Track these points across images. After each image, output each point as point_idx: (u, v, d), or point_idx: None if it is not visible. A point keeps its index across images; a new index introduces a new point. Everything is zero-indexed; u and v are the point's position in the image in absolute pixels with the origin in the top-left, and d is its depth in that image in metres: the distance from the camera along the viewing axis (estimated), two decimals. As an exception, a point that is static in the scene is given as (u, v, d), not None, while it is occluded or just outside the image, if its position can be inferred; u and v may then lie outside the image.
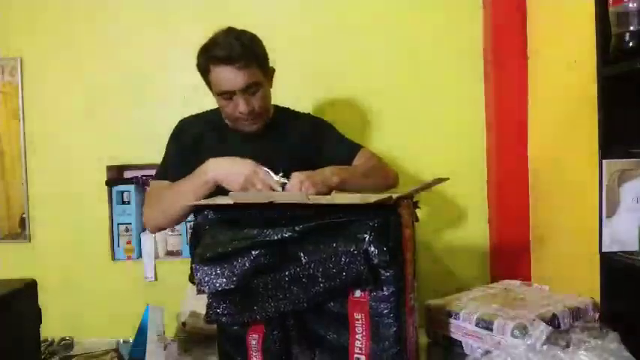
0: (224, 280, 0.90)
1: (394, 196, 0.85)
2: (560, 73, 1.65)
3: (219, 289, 0.90)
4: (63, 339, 1.23)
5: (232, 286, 0.89)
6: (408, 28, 2.00)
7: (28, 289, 1.01)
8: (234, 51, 1.19)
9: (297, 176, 1.10)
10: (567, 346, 0.94)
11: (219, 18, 2.01)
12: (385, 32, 2.00)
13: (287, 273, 0.87)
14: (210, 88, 1.27)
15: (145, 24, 2.03)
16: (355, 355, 0.88)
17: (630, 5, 1.01)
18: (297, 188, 1.07)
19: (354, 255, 0.83)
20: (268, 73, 1.31)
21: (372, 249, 0.83)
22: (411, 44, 2.00)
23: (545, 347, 0.92)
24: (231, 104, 1.25)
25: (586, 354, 0.89)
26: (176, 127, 1.38)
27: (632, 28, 1.02)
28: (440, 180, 0.91)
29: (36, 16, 2.01)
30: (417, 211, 0.94)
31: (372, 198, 0.84)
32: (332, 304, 0.88)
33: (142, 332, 1.04)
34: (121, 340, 1.22)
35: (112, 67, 2.02)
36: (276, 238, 0.87)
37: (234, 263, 0.90)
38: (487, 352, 1.01)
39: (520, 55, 1.87)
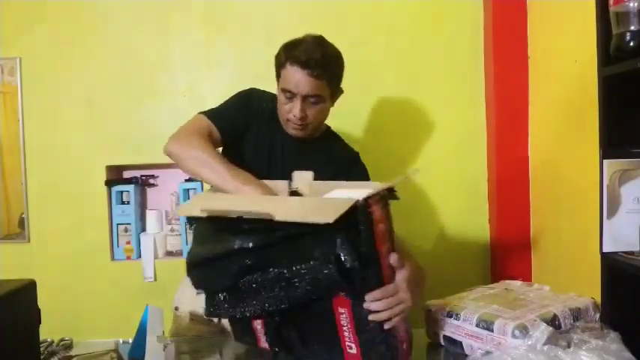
0: (214, 280, 0.96)
1: (360, 200, 0.86)
2: (561, 72, 1.65)
3: (211, 289, 0.96)
4: (62, 339, 1.23)
5: (221, 286, 0.95)
6: (407, 27, 2.00)
7: (28, 289, 1.01)
8: (313, 58, 1.22)
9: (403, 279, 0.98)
10: (568, 346, 0.94)
11: (219, 19, 2.03)
12: (385, 33, 2.00)
13: (268, 277, 0.90)
14: (277, 78, 1.30)
15: (145, 24, 2.03)
16: (347, 343, 0.95)
17: (631, 5, 1.01)
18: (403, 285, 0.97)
19: (325, 261, 0.85)
20: (335, 93, 1.33)
21: (343, 253, 0.85)
22: (411, 45, 2.00)
23: (545, 348, 0.92)
24: (289, 104, 1.27)
25: (587, 354, 0.89)
26: (247, 90, 1.39)
27: (632, 27, 1.01)
28: (410, 174, 0.94)
29: (35, 16, 2.01)
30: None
31: (340, 208, 0.83)
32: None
33: (141, 333, 1.04)
34: (121, 341, 1.22)
35: (111, 67, 2.02)
36: (251, 245, 0.90)
37: (221, 266, 0.94)
38: (487, 353, 1.01)
39: (521, 54, 1.87)
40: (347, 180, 1.34)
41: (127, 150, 2.02)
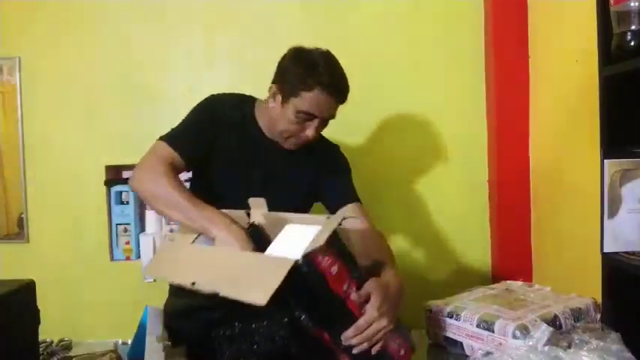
0: (187, 330, 0.99)
1: (300, 259, 0.83)
2: (562, 72, 1.65)
3: (185, 337, 0.98)
4: (62, 340, 1.23)
5: (194, 336, 0.97)
6: (408, 27, 1.99)
7: (27, 289, 1.01)
8: (343, 86, 1.23)
9: (375, 303, 0.96)
10: (569, 346, 0.94)
11: (219, 18, 2.02)
12: (385, 32, 1.99)
13: (235, 331, 0.93)
14: (288, 95, 1.22)
15: (145, 24, 2.02)
16: None
17: (632, 4, 1.01)
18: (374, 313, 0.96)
19: (280, 322, 0.87)
20: None
21: (299, 313, 0.86)
22: (411, 44, 1.99)
23: (546, 348, 0.91)
24: (302, 124, 1.24)
25: (587, 355, 0.89)
26: (206, 102, 1.32)
27: (633, 27, 1.01)
28: (339, 221, 0.92)
29: (35, 15, 2.01)
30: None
31: (276, 279, 0.80)
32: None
33: (140, 333, 1.03)
34: (120, 341, 1.21)
35: (111, 66, 2.02)
36: (212, 303, 0.90)
37: (192, 317, 0.98)
38: (488, 353, 1.01)
39: (521, 54, 1.87)
40: (331, 173, 1.36)
41: (127, 150, 2.01)
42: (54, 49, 2.02)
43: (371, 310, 0.94)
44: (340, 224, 0.92)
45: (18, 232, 2.04)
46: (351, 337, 0.92)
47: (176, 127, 1.28)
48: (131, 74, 2.02)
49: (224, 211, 1.11)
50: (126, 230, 2.04)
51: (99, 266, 2.02)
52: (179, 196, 1.12)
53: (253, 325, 0.90)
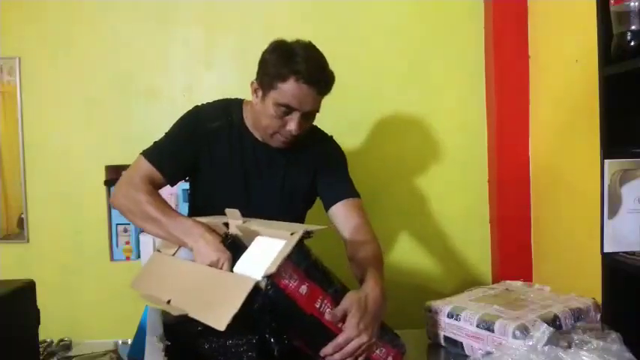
0: (180, 338, 0.99)
1: (262, 283, 0.83)
2: (562, 72, 1.65)
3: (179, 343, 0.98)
4: (62, 340, 1.23)
5: (187, 344, 0.98)
6: (408, 27, 2.00)
7: (27, 289, 1.01)
8: (321, 75, 1.17)
9: (354, 317, 0.94)
10: (569, 346, 0.94)
11: (219, 18, 2.02)
12: (386, 33, 1.99)
13: (212, 345, 0.94)
14: (267, 88, 1.19)
15: (145, 24, 2.02)
16: None
17: (632, 4, 1.01)
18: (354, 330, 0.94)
19: (247, 344, 0.89)
20: None
21: (269, 336, 0.86)
22: (411, 44, 1.99)
23: (546, 348, 0.91)
24: (283, 118, 1.19)
25: (588, 355, 0.89)
26: (190, 114, 1.30)
27: (633, 27, 1.02)
28: (307, 234, 0.90)
29: (35, 15, 2.01)
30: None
31: (234, 306, 0.80)
32: None
33: (140, 333, 1.03)
34: (120, 341, 1.22)
35: (111, 66, 2.02)
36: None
37: (182, 326, 0.98)
38: (488, 354, 1.01)
39: (521, 54, 1.87)
40: (327, 169, 1.33)
41: (127, 150, 2.01)
42: (54, 50, 2.02)
43: (349, 328, 0.93)
44: (311, 236, 0.90)
45: (18, 232, 2.04)
46: (330, 353, 0.92)
47: (158, 140, 1.28)
48: (131, 74, 2.02)
49: (201, 219, 1.10)
50: (126, 230, 2.04)
51: (99, 266, 2.02)
52: (154, 210, 1.12)
53: (228, 342, 0.91)
